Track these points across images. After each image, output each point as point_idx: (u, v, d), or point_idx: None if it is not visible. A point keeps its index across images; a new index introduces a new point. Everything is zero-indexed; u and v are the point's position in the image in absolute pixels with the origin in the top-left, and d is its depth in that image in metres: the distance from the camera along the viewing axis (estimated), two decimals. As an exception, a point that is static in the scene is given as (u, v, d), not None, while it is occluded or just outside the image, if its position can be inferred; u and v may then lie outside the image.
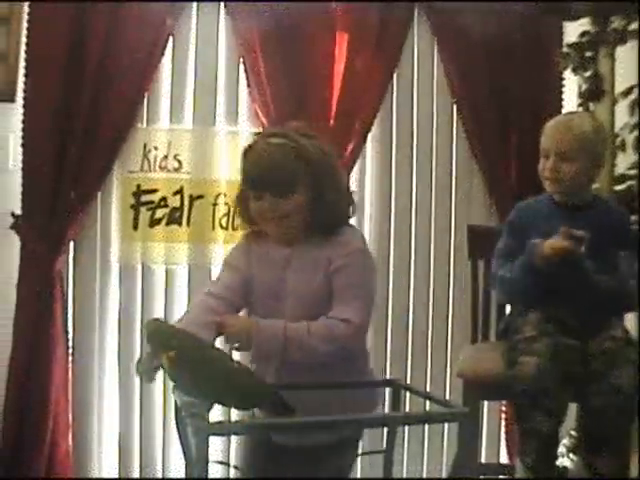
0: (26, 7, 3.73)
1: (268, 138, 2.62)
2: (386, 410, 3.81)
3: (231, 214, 3.85)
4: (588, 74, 3.76)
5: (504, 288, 3.26)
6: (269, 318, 2.57)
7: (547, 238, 3.09)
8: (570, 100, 4.04)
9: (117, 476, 3.89)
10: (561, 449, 3.61)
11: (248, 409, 2.33)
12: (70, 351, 3.85)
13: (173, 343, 2.25)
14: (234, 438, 2.72)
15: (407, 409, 2.92)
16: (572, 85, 4.00)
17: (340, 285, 2.60)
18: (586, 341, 3.05)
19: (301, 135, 2.63)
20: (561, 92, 4.08)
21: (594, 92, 3.73)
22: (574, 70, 3.77)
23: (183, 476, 2.79)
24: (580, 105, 3.78)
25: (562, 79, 4.05)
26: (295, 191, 2.59)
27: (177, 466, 3.83)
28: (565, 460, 3.61)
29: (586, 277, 3.09)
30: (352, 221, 3.92)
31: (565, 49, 3.84)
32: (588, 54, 3.74)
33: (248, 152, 2.65)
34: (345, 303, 2.59)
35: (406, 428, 3.92)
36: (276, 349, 2.52)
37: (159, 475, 3.90)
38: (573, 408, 3.33)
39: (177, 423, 2.51)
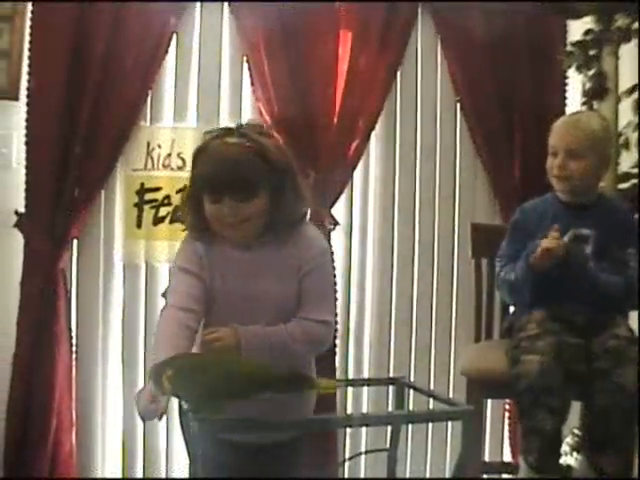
0: (29, 5, 3.72)
1: (224, 137, 2.50)
2: (390, 408, 3.86)
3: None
4: (592, 72, 3.75)
5: (508, 290, 3.26)
6: (228, 324, 2.50)
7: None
8: (574, 99, 4.03)
9: (120, 475, 3.90)
10: (565, 448, 3.61)
11: (263, 392, 2.24)
12: (74, 349, 3.84)
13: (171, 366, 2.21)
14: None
15: (410, 407, 2.90)
16: (576, 84, 3.99)
17: (311, 287, 2.56)
18: (590, 339, 3.05)
19: (258, 134, 2.54)
20: (565, 91, 4.07)
21: (598, 91, 3.72)
22: (578, 68, 3.76)
23: (187, 474, 2.79)
24: (584, 104, 3.77)
25: (566, 78, 4.05)
26: (257, 194, 2.48)
27: (181, 464, 3.83)
28: (569, 459, 3.61)
29: (591, 275, 3.10)
30: (356, 216, 3.99)
31: (569, 47, 3.82)
32: (592, 52, 3.73)
33: (202, 152, 2.52)
34: (319, 304, 2.56)
35: (409, 426, 3.91)
36: (263, 356, 2.45)
37: (163, 473, 3.90)
38: (577, 407, 3.34)
39: (181, 421, 2.51)
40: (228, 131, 2.54)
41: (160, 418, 2.25)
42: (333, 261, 2.73)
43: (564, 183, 3.20)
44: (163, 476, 3.91)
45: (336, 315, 2.70)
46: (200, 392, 2.19)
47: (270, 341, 2.49)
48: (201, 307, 2.54)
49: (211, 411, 2.17)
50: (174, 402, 2.42)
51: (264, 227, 2.55)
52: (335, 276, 2.73)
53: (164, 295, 2.62)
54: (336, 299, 2.71)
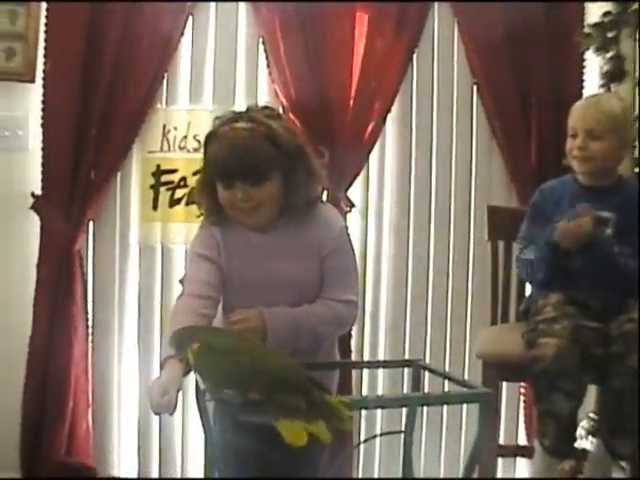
0: (46, -12, 3.73)
1: (233, 123, 2.52)
2: (405, 391, 3.86)
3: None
4: (610, 55, 3.74)
5: (527, 269, 3.26)
6: (249, 308, 2.51)
7: (572, 222, 3.08)
8: (591, 82, 4.01)
9: (137, 454, 3.91)
10: (580, 431, 3.60)
11: (281, 394, 2.18)
12: (90, 331, 3.86)
13: (197, 338, 2.21)
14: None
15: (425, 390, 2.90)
16: (594, 66, 3.97)
17: (334, 267, 2.59)
18: (606, 323, 3.05)
19: (267, 117, 2.54)
20: (582, 73, 4.03)
21: (616, 73, 3.71)
22: (596, 51, 3.74)
23: (203, 454, 2.80)
24: (602, 86, 3.76)
25: (583, 60, 4.02)
26: (269, 178, 2.50)
27: (197, 443, 3.84)
28: (584, 442, 3.61)
29: (611, 259, 3.08)
30: (372, 199, 3.97)
31: (587, 30, 3.80)
32: (610, 35, 3.72)
33: (213, 139, 2.55)
34: (342, 284, 2.59)
35: (424, 409, 3.91)
36: (290, 338, 2.48)
37: (178, 454, 3.91)
38: (592, 390, 3.33)
39: (198, 401, 2.51)
40: (237, 116, 2.55)
41: (172, 412, 2.25)
42: (351, 240, 2.72)
43: (584, 164, 3.19)
44: (179, 456, 3.92)
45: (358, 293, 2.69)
46: (224, 379, 2.18)
47: (296, 323, 2.49)
48: (218, 293, 2.56)
49: (231, 396, 2.16)
50: (189, 383, 2.43)
51: (279, 210, 2.57)
52: (354, 254, 2.72)
53: (181, 282, 2.62)
54: (357, 277, 2.69)
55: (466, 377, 3.51)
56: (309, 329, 2.52)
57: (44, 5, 3.72)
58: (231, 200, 2.52)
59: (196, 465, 3.88)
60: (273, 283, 2.55)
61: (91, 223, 3.84)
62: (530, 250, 3.22)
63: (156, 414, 2.29)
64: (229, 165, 2.48)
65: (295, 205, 2.57)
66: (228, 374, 2.16)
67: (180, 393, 3.77)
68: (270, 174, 2.50)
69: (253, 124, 2.50)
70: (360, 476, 4.05)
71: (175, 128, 3.86)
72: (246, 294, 2.58)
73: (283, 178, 2.53)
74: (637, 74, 3.75)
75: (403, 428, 2.71)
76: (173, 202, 3.87)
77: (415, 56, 4.01)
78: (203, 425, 2.51)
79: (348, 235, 2.71)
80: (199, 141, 3.83)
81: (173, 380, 2.26)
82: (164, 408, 2.22)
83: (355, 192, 3.96)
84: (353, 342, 3.93)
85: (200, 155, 3.71)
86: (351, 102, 3.87)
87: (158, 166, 3.87)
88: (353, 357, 3.92)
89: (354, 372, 3.89)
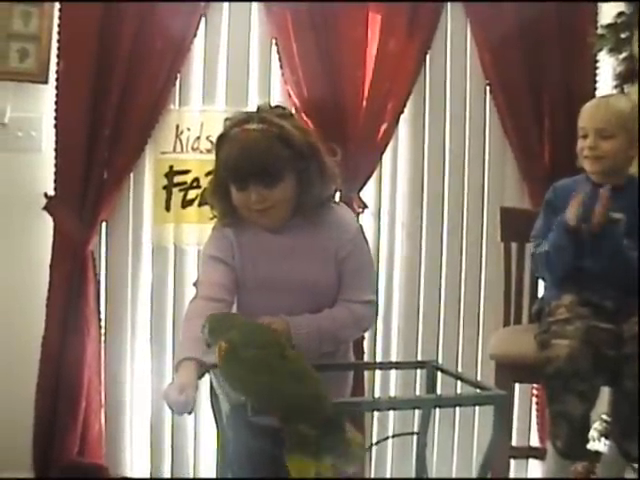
0: (59, -11, 3.74)
1: (245, 124, 2.51)
2: (417, 393, 3.86)
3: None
4: (623, 56, 3.73)
5: (541, 263, 3.25)
6: (263, 312, 2.49)
7: (585, 221, 3.08)
8: (604, 82, 4.00)
9: (149, 454, 3.92)
10: (593, 433, 3.60)
11: (292, 423, 2.12)
12: (102, 331, 3.86)
13: (230, 333, 2.19)
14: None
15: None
16: (607, 67, 3.96)
17: (352, 269, 2.59)
18: (619, 325, 3.04)
19: (278, 116, 2.54)
20: (595, 74, 4.03)
21: (629, 74, 3.70)
22: (609, 51, 3.74)
23: (215, 454, 2.80)
24: (615, 87, 3.75)
25: (596, 61, 4.01)
26: (283, 179, 2.49)
27: (209, 445, 3.85)
28: (597, 444, 3.60)
29: (622, 260, 3.08)
30: (385, 199, 3.97)
31: (600, 30, 3.80)
32: (623, 35, 3.71)
33: (224, 140, 2.55)
34: (361, 285, 2.59)
35: (437, 410, 3.91)
36: (314, 345, 2.48)
37: (191, 453, 3.91)
38: (605, 392, 3.32)
39: (212, 402, 2.52)
40: (248, 116, 2.55)
41: (191, 412, 2.24)
42: (366, 240, 2.72)
43: (595, 164, 3.19)
44: (191, 456, 3.92)
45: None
46: (241, 390, 2.16)
47: (320, 330, 2.50)
48: (231, 296, 2.55)
49: (252, 406, 2.15)
50: (203, 384, 2.42)
51: (292, 210, 2.56)
52: (370, 253, 2.72)
53: (195, 285, 2.62)
54: (374, 276, 2.71)
55: (479, 378, 3.49)
56: (332, 335, 2.52)
57: (57, 6, 3.73)
58: (245, 202, 2.52)
59: (208, 465, 3.88)
60: (288, 285, 2.55)
61: (104, 224, 3.84)
62: (544, 244, 3.22)
63: (177, 414, 2.27)
64: (242, 167, 2.48)
65: (309, 205, 2.57)
66: (245, 389, 2.15)
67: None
68: (283, 175, 2.50)
69: (265, 125, 2.50)
70: (373, 476, 4.05)
71: (188, 129, 3.86)
72: (261, 296, 2.58)
73: (296, 178, 2.53)
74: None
75: (416, 429, 2.70)
76: (186, 203, 3.87)
77: (428, 57, 4.02)
78: (217, 426, 2.52)
79: (363, 235, 2.70)
80: (212, 142, 3.81)
81: (189, 380, 2.26)
82: (182, 406, 2.22)
83: (368, 193, 3.96)
84: (366, 343, 3.92)
85: (213, 156, 3.75)
86: (364, 103, 3.87)
87: (171, 167, 3.87)
88: (365, 359, 3.92)
89: (366, 373, 3.89)
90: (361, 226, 2.74)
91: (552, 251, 3.15)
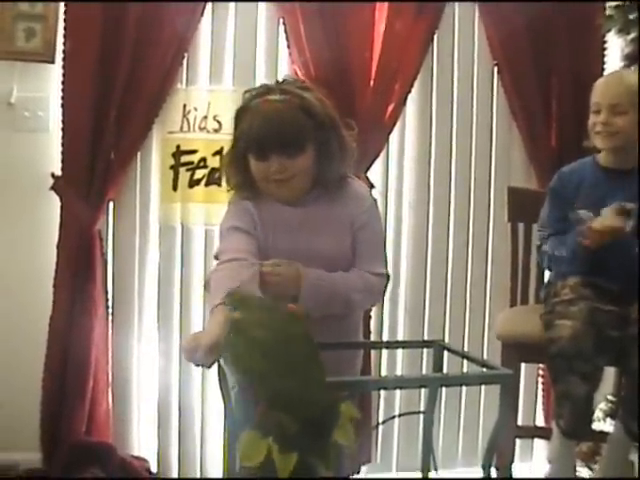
0: (66, -32, 3.73)
1: (266, 95, 2.53)
2: (424, 372, 3.87)
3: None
4: (631, 36, 3.72)
5: (552, 265, 3.26)
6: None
7: (593, 209, 3.08)
8: (612, 63, 3.99)
9: (156, 433, 3.93)
10: (598, 413, 3.61)
11: (277, 413, 2.07)
12: (109, 311, 3.87)
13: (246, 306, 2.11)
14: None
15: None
16: (615, 48, 3.95)
17: (365, 241, 2.59)
18: (625, 306, 3.05)
19: (300, 88, 2.55)
20: (603, 55, 4.03)
21: (637, 55, 3.69)
22: (618, 32, 3.73)
23: (222, 433, 2.81)
24: (623, 68, 3.74)
25: (605, 41, 4.00)
26: (304, 149, 2.51)
27: (216, 424, 3.86)
28: (602, 424, 3.61)
29: (630, 245, 3.08)
30: (392, 179, 3.97)
31: (608, 11, 3.79)
32: (632, 16, 3.70)
33: (245, 112, 2.55)
34: (374, 257, 2.60)
35: (443, 390, 3.92)
36: (323, 299, 2.48)
37: (198, 432, 3.92)
38: (611, 372, 3.33)
39: (219, 380, 2.52)
40: (269, 89, 2.56)
41: (211, 366, 2.20)
42: (379, 214, 2.73)
43: (608, 140, 3.17)
44: (198, 435, 3.93)
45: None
46: (240, 371, 2.13)
47: (332, 288, 2.50)
48: (256, 261, 2.51)
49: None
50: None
51: (312, 182, 2.58)
52: (383, 228, 2.74)
53: (216, 257, 2.61)
54: (385, 250, 2.70)
55: (485, 358, 3.49)
56: (342, 294, 2.52)
57: (64, -15, 3.72)
58: (265, 172, 2.53)
59: (216, 444, 3.89)
60: (308, 257, 2.54)
61: (111, 203, 3.83)
62: (555, 244, 3.22)
63: (195, 365, 2.21)
64: (264, 137, 2.48)
65: (327, 178, 2.58)
66: (241, 368, 2.12)
67: (200, 373, 3.82)
68: (305, 145, 2.51)
69: (286, 96, 2.51)
70: (379, 456, 4.06)
71: (195, 109, 3.85)
72: None
73: (317, 149, 2.54)
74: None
75: (423, 408, 2.71)
76: (193, 183, 3.87)
77: (435, 37, 4.01)
78: (224, 404, 2.52)
79: (377, 209, 2.72)
80: (219, 122, 3.83)
81: (218, 330, 2.17)
82: (197, 361, 2.17)
83: (375, 173, 3.96)
84: (372, 323, 3.93)
85: (220, 136, 3.79)
86: (371, 83, 3.86)
87: (178, 147, 3.86)
88: (372, 338, 3.92)
89: (373, 352, 3.90)
90: (375, 200, 2.73)
91: (568, 261, 3.15)
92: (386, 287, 2.68)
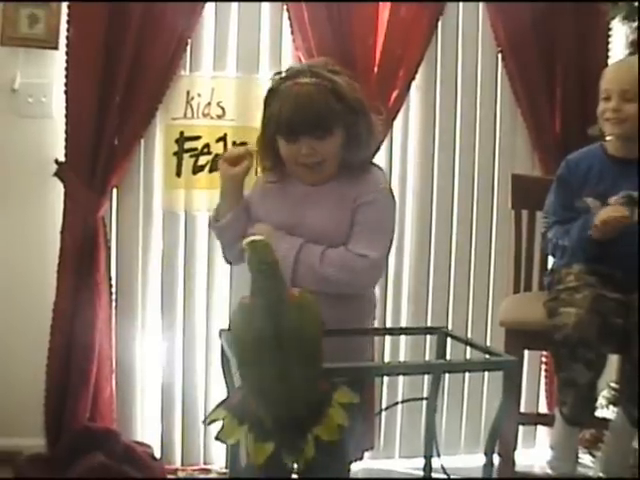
0: (69, -45, 3.72)
1: (296, 78, 2.53)
2: (427, 359, 3.87)
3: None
4: (636, 24, 3.71)
5: (559, 254, 3.25)
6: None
7: (600, 198, 3.08)
8: (617, 50, 3.99)
9: (160, 419, 3.94)
10: (601, 401, 3.61)
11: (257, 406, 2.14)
12: (113, 297, 3.87)
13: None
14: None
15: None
16: (620, 35, 3.94)
17: (361, 220, 2.56)
18: (629, 294, 3.04)
19: (330, 72, 2.55)
20: (608, 42, 4.01)
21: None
22: (623, 19, 3.72)
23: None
24: (629, 55, 3.73)
25: (609, 29, 3.99)
26: (332, 133, 2.51)
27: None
28: (605, 412, 3.61)
29: (635, 232, 3.07)
30: (396, 166, 3.96)
31: (614, -1, 3.79)
32: (637, 4, 3.69)
33: (275, 95, 2.56)
34: (363, 238, 2.54)
35: (446, 376, 3.93)
36: (286, 264, 2.44)
37: (202, 418, 3.92)
38: (614, 360, 3.33)
39: (222, 365, 2.52)
40: (299, 71, 2.57)
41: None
42: (394, 206, 2.68)
43: (618, 127, 3.15)
44: (201, 420, 3.92)
45: (387, 257, 2.65)
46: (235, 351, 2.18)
47: (299, 255, 2.50)
48: None
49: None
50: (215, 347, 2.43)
51: (338, 167, 2.59)
52: (393, 219, 2.68)
53: None
54: (390, 242, 2.65)
55: (488, 344, 3.50)
56: (309, 265, 2.50)
57: (67, -29, 3.72)
58: (294, 155, 2.54)
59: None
60: (301, 230, 2.56)
61: (115, 190, 3.83)
62: (560, 233, 3.21)
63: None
64: (295, 119, 2.49)
65: (354, 162, 2.58)
66: (235, 354, 2.17)
67: (204, 359, 3.83)
68: (334, 128, 2.52)
69: (317, 79, 2.51)
70: (382, 442, 4.06)
71: (199, 95, 3.84)
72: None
73: (345, 134, 2.55)
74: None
75: (426, 395, 2.71)
76: (196, 169, 3.87)
77: (440, 23, 4.00)
78: (227, 390, 2.53)
79: (390, 197, 2.66)
80: (223, 108, 3.84)
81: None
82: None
83: (379, 160, 3.94)
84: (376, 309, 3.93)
85: (223, 122, 3.80)
86: (375, 69, 3.85)
87: (181, 133, 3.86)
88: (375, 324, 3.92)
89: (376, 339, 3.89)
90: (391, 191, 2.69)
91: (572, 251, 3.15)
92: (374, 272, 2.60)
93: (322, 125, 2.50)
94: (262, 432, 2.07)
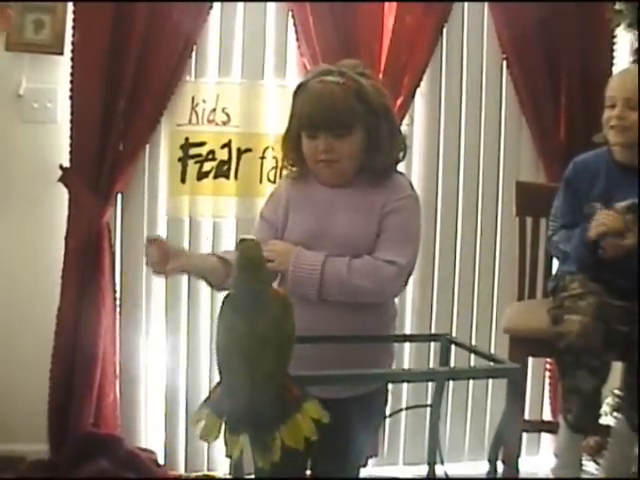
0: (74, -39, 3.73)
1: (323, 76, 2.54)
2: (431, 366, 3.87)
3: (279, 168, 3.83)
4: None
5: (561, 258, 3.25)
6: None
7: (606, 203, 3.08)
8: (622, 58, 3.99)
9: (163, 425, 3.94)
10: (605, 408, 3.61)
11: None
12: (117, 302, 3.87)
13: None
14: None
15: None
16: (624, 42, 3.95)
17: (389, 227, 2.54)
18: (633, 301, 3.04)
19: (358, 74, 2.56)
20: (613, 49, 4.02)
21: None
22: (627, 27, 3.72)
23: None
24: (632, 63, 3.73)
25: (614, 36, 4.00)
26: (352, 132, 2.51)
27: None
28: (609, 419, 3.61)
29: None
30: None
31: (618, 6, 3.78)
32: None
33: (302, 90, 2.57)
34: (391, 245, 2.53)
35: (450, 384, 3.93)
36: (312, 281, 2.46)
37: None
38: (618, 367, 3.33)
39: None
40: (328, 70, 2.58)
41: (159, 274, 2.44)
42: (420, 213, 2.66)
43: (622, 135, 3.16)
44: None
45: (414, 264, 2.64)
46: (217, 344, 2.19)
47: (324, 266, 2.48)
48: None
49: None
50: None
51: (357, 169, 2.58)
52: (419, 226, 2.67)
53: None
54: (417, 249, 2.63)
55: (492, 352, 3.49)
56: (336, 278, 2.48)
57: (73, -23, 3.72)
58: (314, 151, 2.54)
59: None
60: (327, 237, 2.54)
61: (119, 195, 3.84)
62: (563, 237, 3.21)
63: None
64: (315, 115, 2.51)
65: (373, 167, 2.56)
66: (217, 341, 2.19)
67: (208, 365, 3.82)
68: (353, 128, 2.51)
69: (343, 79, 2.52)
70: (386, 449, 4.06)
71: (204, 101, 3.85)
72: (303, 247, 2.56)
73: (366, 136, 2.54)
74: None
75: (430, 402, 2.71)
76: (201, 175, 3.88)
77: (445, 31, 4.01)
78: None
79: (416, 205, 2.65)
80: (228, 114, 3.84)
81: (187, 257, 2.50)
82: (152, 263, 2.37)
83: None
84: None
85: (228, 128, 3.80)
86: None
87: (186, 139, 3.87)
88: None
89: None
90: (417, 196, 2.68)
91: (574, 258, 3.15)
92: (402, 279, 2.58)
93: (341, 123, 2.50)
94: (235, 424, 2.08)
